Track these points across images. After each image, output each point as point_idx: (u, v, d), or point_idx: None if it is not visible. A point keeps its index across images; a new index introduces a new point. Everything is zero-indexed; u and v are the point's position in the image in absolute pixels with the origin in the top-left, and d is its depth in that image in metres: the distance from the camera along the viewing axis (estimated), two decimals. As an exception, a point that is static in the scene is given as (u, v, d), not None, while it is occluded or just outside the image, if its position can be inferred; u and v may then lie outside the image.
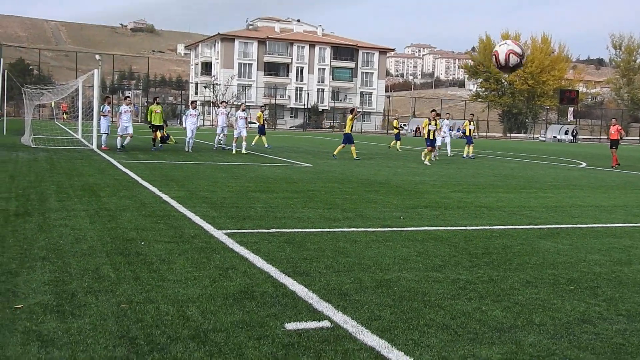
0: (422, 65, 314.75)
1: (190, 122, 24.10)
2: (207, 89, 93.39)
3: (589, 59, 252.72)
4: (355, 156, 23.42)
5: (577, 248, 7.81)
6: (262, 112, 31.00)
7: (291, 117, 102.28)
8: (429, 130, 22.95)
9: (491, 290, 5.65)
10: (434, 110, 24.75)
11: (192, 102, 26.16)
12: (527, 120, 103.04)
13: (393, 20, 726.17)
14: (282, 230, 8.14)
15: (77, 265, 5.88)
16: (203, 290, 5.24)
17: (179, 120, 70.56)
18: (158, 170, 15.76)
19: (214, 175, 14.93)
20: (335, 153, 24.00)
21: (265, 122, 30.83)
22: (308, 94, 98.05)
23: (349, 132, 23.62)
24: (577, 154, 38.83)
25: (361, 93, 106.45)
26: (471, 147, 28.02)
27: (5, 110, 26.62)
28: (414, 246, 7.47)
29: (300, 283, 5.56)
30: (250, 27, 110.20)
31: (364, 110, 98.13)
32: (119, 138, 22.32)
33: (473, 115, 32.45)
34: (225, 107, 26.81)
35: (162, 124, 24.54)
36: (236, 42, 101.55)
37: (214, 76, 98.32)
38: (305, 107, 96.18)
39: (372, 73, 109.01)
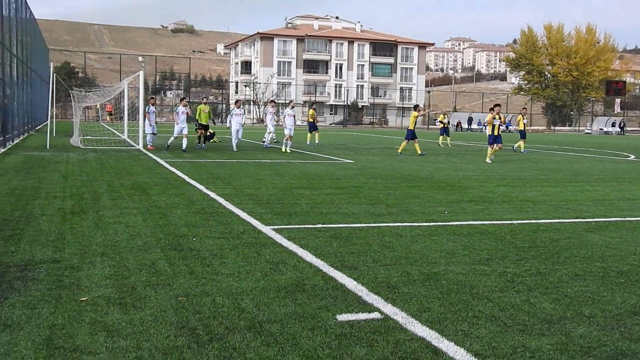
0: (462, 59, 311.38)
1: (236, 122, 24.34)
2: (247, 88, 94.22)
3: (636, 49, 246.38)
4: (419, 152, 23.34)
5: (626, 241, 7.74)
6: (314, 109, 31.38)
7: (331, 114, 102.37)
8: (493, 126, 21.05)
9: (539, 283, 5.68)
10: (497, 104, 22.12)
11: (237, 101, 26.49)
12: (571, 112, 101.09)
13: (432, 14, 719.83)
14: (328, 225, 8.28)
15: (134, 260, 6.12)
16: (255, 283, 5.41)
17: (219, 119, 71.38)
18: (203, 168, 16.07)
19: (257, 173, 15.16)
20: (400, 151, 23.88)
21: (315, 119, 31.27)
22: (347, 90, 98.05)
23: (412, 128, 23.48)
24: (625, 146, 38.02)
25: (401, 88, 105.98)
26: (522, 142, 27.67)
27: (53, 113, 27.42)
28: (460, 240, 7.52)
29: (349, 276, 5.69)
30: (289, 25, 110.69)
31: (403, 105, 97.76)
32: (172, 138, 22.72)
33: (526, 109, 32.00)
34: (273, 107, 27.28)
35: (208, 123, 24.91)
36: (275, 41, 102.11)
37: (253, 75, 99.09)
38: (345, 103, 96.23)
39: (412, 68, 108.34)
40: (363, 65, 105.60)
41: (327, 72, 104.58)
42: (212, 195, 10.89)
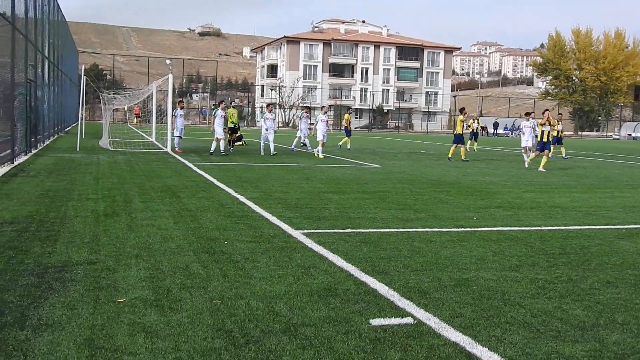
0: (489, 64, 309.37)
1: (268, 126, 24.22)
2: (273, 91, 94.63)
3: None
4: (463, 157, 23.32)
5: (658, 249, 7.67)
6: (350, 114, 31.60)
7: (356, 118, 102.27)
8: (542, 132, 20.28)
9: (571, 290, 5.67)
10: (547, 110, 21.29)
11: (268, 105, 26.38)
12: (599, 118, 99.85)
13: (459, 18, 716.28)
14: (357, 230, 8.33)
15: (168, 263, 6.23)
16: (288, 287, 5.48)
17: (245, 122, 71.75)
18: (231, 172, 16.22)
19: (285, 177, 15.26)
20: (450, 155, 23.90)
21: (350, 124, 31.53)
22: (373, 94, 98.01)
23: (460, 132, 23.51)
24: (654, 152, 37.46)
25: (426, 93, 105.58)
26: (552, 148, 27.34)
27: (83, 115, 27.83)
28: (489, 246, 7.53)
29: (381, 281, 5.73)
30: (316, 29, 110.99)
31: (429, 110, 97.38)
32: (214, 142, 22.92)
33: (561, 114, 31.70)
34: (307, 113, 27.61)
35: (238, 124, 25.21)
36: (301, 44, 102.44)
37: (279, 78, 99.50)
38: (370, 107, 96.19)
39: (438, 72, 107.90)
40: (389, 69, 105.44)
41: (352, 76, 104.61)
42: (241, 198, 11.01)
